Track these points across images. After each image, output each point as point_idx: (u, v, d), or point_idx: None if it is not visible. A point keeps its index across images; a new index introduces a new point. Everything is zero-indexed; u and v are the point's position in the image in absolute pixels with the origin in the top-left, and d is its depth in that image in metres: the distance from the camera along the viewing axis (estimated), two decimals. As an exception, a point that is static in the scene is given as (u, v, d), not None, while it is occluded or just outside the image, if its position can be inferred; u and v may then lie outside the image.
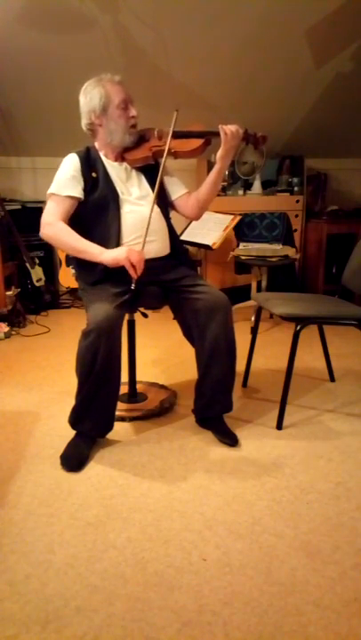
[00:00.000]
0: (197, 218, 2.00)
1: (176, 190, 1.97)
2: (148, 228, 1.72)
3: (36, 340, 3.14)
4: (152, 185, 1.84)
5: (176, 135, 1.82)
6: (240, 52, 3.16)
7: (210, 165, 3.77)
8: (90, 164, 1.81)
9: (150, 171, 1.87)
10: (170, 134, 1.76)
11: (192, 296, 1.80)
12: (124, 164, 1.87)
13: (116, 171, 1.86)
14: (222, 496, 1.53)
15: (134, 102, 1.82)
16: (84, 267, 1.86)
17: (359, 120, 3.93)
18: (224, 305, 1.76)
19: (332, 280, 3.89)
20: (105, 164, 1.85)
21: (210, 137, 1.84)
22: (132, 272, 1.65)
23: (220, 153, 1.81)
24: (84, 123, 1.83)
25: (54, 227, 1.73)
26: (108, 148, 1.85)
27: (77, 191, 1.77)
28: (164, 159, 1.77)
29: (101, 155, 1.86)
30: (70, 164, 1.79)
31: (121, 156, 1.86)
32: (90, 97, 1.77)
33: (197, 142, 1.82)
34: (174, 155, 1.84)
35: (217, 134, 1.79)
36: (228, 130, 1.76)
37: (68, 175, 1.77)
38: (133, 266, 1.64)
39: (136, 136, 1.84)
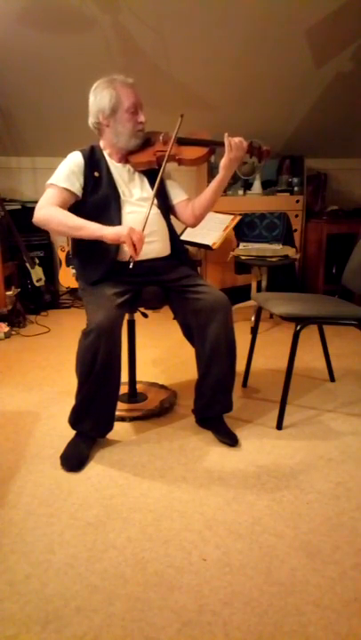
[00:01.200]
0: (194, 225, 2.00)
1: (176, 195, 1.97)
2: (145, 223, 1.72)
3: (36, 340, 3.14)
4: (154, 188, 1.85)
5: (181, 142, 1.83)
6: (240, 53, 3.16)
7: (210, 166, 3.78)
8: (93, 163, 1.82)
9: (154, 174, 1.87)
10: (172, 140, 1.77)
11: (192, 296, 1.80)
12: (128, 166, 1.88)
13: (120, 172, 1.86)
14: (222, 496, 1.53)
15: (143, 107, 1.82)
16: (85, 266, 1.86)
17: (359, 120, 3.93)
18: (224, 305, 1.76)
19: (332, 280, 3.89)
20: (108, 164, 1.85)
21: (214, 146, 1.85)
22: (131, 250, 1.63)
23: (222, 162, 1.81)
24: (91, 121, 1.82)
25: (47, 209, 1.71)
26: (113, 149, 1.85)
27: (75, 187, 1.77)
28: (164, 163, 1.78)
29: (106, 154, 1.86)
30: (73, 161, 1.79)
31: (125, 158, 1.86)
32: (100, 97, 1.76)
33: (202, 151, 1.83)
34: (178, 161, 1.85)
35: (222, 144, 1.79)
36: (233, 141, 1.77)
37: (68, 170, 1.77)
38: (134, 244, 1.62)
39: (142, 139, 1.84)
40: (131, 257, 1.65)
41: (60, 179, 1.76)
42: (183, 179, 2.08)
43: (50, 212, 1.70)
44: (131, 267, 1.66)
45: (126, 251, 1.80)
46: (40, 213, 1.71)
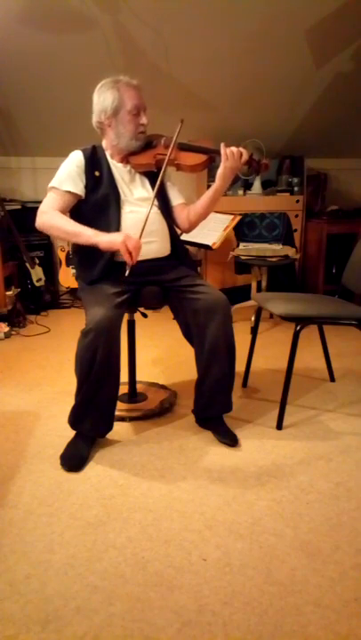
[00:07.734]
0: (187, 231, 2.00)
1: (173, 198, 1.98)
2: (144, 227, 1.71)
3: (36, 339, 3.14)
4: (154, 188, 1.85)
5: (182, 147, 1.84)
6: (240, 53, 3.16)
7: (210, 168, 3.77)
8: (94, 162, 1.82)
9: (154, 175, 1.88)
10: (173, 144, 1.77)
11: (191, 296, 1.80)
12: (129, 166, 1.88)
13: (120, 172, 1.86)
14: (222, 496, 1.53)
15: (147, 109, 1.82)
16: (83, 265, 1.86)
17: (359, 120, 3.93)
18: (223, 305, 1.76)
19: (332, 280, 3.89)
20: (110, 164, 1.85)
21: (214, 155, 1.85)
22: (127, 257, 1.63)
23: (218, 172, 1.82)
24: (94, 120, 1.83)
25: (48, 214, 1.73)
26: (115, 150, 1.86)
27: (79, 188, 1.78)
28: (165, 164, 1.78)
29: (107, 154, 1.87)
30: (74, 161, 1.79)
31: (126, 159, 1.87)
32: (103, 97, 1.77)
33: (200, 158, 1.84)
34: (176, 166, 1.86)
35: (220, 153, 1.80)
36: (230, 150, 1.77)
37: (70, 171, 1.77)
38: (130, 252, 1.62)
39: (143, 141, 1.85)
40: (126, 264, 1.65)
41: (62, 181, 1.76)
42: (183, 183, 2.07)
43: (49, 218, 1.73)
44: (126, 274, 1.66)
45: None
46: (42, 219, 1.74)
